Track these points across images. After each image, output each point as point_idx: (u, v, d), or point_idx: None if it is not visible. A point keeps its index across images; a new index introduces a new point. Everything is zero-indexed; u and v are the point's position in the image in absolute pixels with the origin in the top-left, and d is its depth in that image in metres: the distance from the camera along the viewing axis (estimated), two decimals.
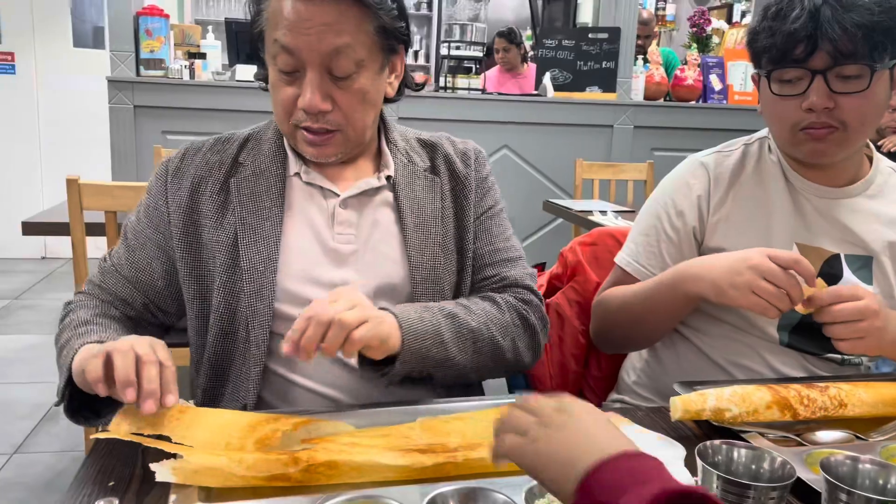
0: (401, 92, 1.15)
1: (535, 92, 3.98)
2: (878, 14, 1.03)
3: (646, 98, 3.97)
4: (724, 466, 0.74)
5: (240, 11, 6.14)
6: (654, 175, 3.31)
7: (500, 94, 4.14)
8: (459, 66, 6.01)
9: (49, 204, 2.43)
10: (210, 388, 1.09)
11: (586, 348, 1.41)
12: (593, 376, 1.43)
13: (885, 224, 1.19)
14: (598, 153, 3.83)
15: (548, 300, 1.43)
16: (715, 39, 4.64)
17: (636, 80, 3.93)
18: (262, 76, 1.11)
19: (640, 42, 4.12)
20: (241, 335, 1.05)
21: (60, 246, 4.80)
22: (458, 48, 6.03)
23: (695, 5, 6.69)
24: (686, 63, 4.07)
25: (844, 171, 1.20)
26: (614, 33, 3.88)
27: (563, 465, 0.59)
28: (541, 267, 1.63)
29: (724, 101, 4.04)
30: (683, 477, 0.78)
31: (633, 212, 2.77)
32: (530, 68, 4.78)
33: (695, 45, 4.26)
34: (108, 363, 0.83)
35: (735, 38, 5.00)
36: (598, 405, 1.36)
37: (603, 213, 2.71)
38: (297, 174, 1.10)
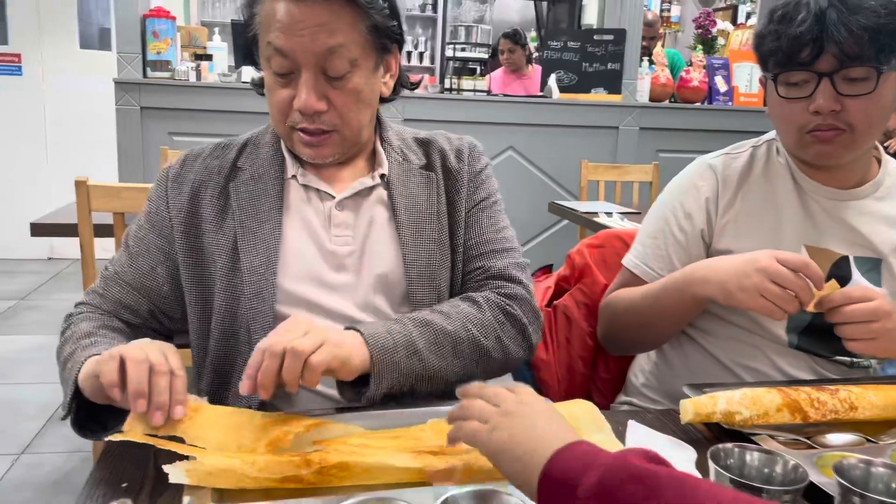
0: (396, 91, 1.15)
1: (541, 93, 3.98)
2: (884, 16, 1.03)
3: (651, 99, 3.97)
4: (736, 469, 0.74)
5: None
6: (660, 177, 3.31)
7: (505, 95, 4.14)
8: (464, 68, 6.02)
9: (55, 205, 2.43)
10: (213, 391, 1.09)
11: (594, 350, 1.41)
12: (601, 378, 1.43)
13: (893, 226, 1.19)
14: (603, 155, 3.82)
15: (555, 302, 1.44)
16: (720, 41, 4.63)
17: (641, 81, 3.93)
18: (258, 81, 1.12)
19: (644, 43, 4.12)
20: (242, 337, 1.06)
21: (66, 247, 4.80)
22: (463, 49, 6.04)
23: (700, 6, 6.68)
24: (691, 64, 4.07)
25: (853, 173, 1.20)
26: (620, 35, 3.88)
27: (524, 451, 0.65)
28: (548, 269, 1.63)
29: (730, 103, 4.04)
30: None
31: (638, 213, 2.77)
32: (535, 69, 4.78)
33: (700, 46, 4.26)
34: (122, 369, 0.83)
35: (740, 39, 5.00)
36: (606, 407, 1.36)
37: (609, 214, 2.71)
38: (294, 177, 1.11)
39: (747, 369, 1.19)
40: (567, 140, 3.85)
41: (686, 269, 1.14)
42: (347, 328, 0.97)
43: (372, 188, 1.12)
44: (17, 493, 2.21)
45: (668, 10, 7.20)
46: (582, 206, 2.91)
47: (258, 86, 1.12)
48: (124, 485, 0.77)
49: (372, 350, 0.94)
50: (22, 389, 2.92)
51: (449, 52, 6.32)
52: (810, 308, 1.00)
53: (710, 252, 1.23)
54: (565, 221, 3.66)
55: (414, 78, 1.22)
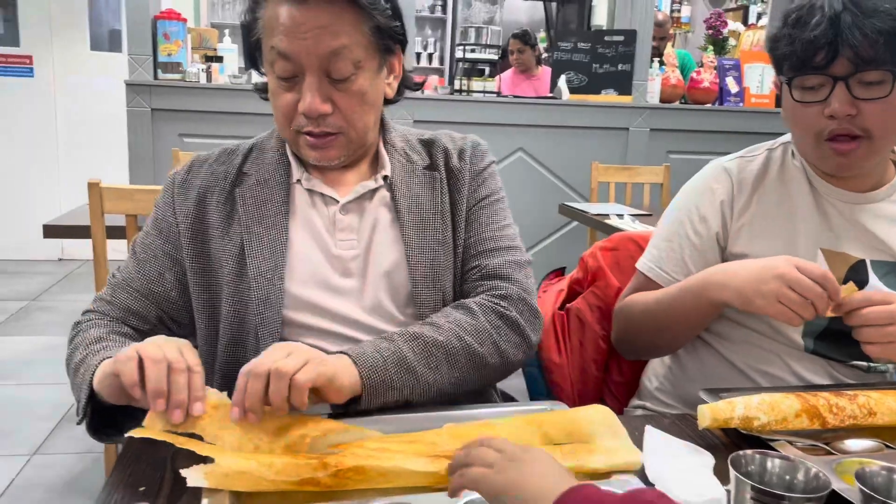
0: (400, 93, 1.15)
1: (551, 94, 3.98)
2: None
3: (662, 101, 3.96)
4: (757, 476, 0.73)
5: None
6: (671, 178, 3.30)
7: (515, 96, 4.14)
8: (474, 69, 6.02)
9: (67, 206, 2.44)
10: None
11: (607, 353, 1.40)
12: (614, 381, 1.43)
13: None
14: (613, 156, 3.82)
15: (568, 305, 1.43)
16: (731, 41, 4.61)
17: (652, 82, 3.92)
18: (262, 86, 1.12)
19: (654, 44, 4.11)
20: (251, 343, 1.06)
21: (77, 248, 4.83)
22: (472, 51, 6.04)
23: (710, 7, 6.66)
24: (702, 65, 4.05)
25: (869, 177, 1.19)
26: (630, 36, 3.87)
27: (531, 493, 0.65)
28: (560, 271, 1.63)
29: (741, 104, 4.02)
30: (713, 486, 0.77)
31: (649, 215, 2.76)
32: (545, 70, 4.78)
33: (711, 47, 4.25)
34: (141, 368, 0.83)
35: (751, 39, 4.98)
36: (620, 411, 1.35)
37: (620, 216, 2.69)
38: (299, 181, 1.11)
39: (763, 374, 1.18)
40: (577, 141, 3.84)
41: (702, 274, 1.14)
42: (338, 352, 0.96)
43: (375, 190, 1.12)
44: (28, 494, 2.22)
45: (679, 11, 7.17)
46: (592, 208, 2.90)
47: (262, 90, 1.12)
48: (142, 488, 0.77)
49: (361, 370, 0.93)
50: (34, 390, 2.93)
51: (458, 54, 6.33)
52: (828, 312, 0.99)
53: (725, 256, 1.22)
54: (575, 223, 3.66)
55: (418, 78, 1.22)
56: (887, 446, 0.92)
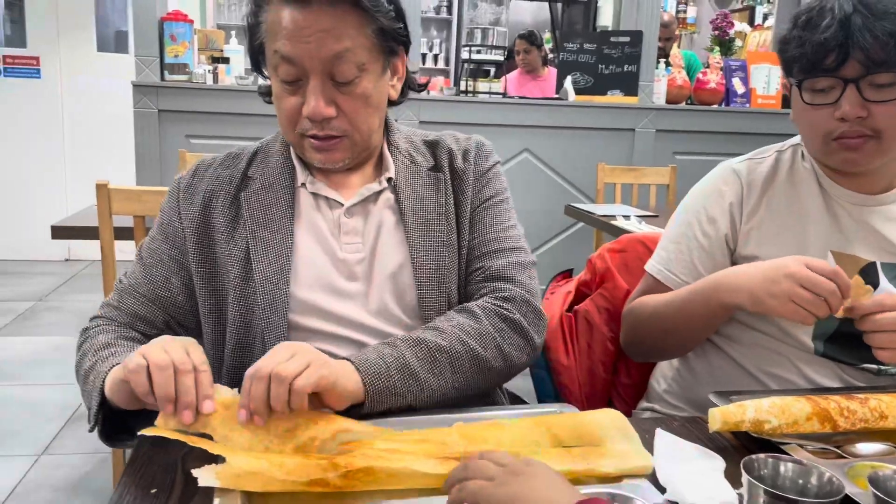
0: (404, 94, 1.15)
1: (557, 95, 3.98)
2: None
3: (668, 101, 3.95)
4: (769, 480, 0.73)
5: None
6: (677, 179, 3.29)
7: (520, 97, 4.14)
8: (479, 70, 6.02)
9: (73, 207, 2.45)
10: None
11: (615, 355, 1.40)
12: (622, 384, 1.42)
13: None
14: (619, 157, 3.81)
15: (576, 307, 1.43)
16: (737, 42, 4.60)
17: (658, 83, 3.92)
18: (266, 90, 1.12)
19: (660, 45, 4.10)
20: (257, 347, 1.06)
21: (84, 248, 4.84)
22: (478, 52, 6.04)
23: (716, 7, 6.65)
24: (708, 66, 4.04)
25: (880, 179, 1.18)
26: (636, 36, 3.87)
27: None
28: (568, 273, 1.62)
29: (748, 105, 4.01)
30: (725, 489, 0.77)
31: (656, 216, 2.76)
32: (550, 71, 4.78)
33: (717, 47, 4.24)
34: (150, 376, 0.84)
35: (758, 40, 4.97)
36: (628, 413, 1.35)
37: (626, 217, 2.69)
38: (304, 185, 1.11)
39: (772, 377, 1.18)
40: (583, 142, 3.84)
41: (712, 277, 1.13)
42: (341, 359, 0.95)
43: (379, 193, 1.12)
44: (35, 495, 2.23)
45: (685, 11, 7.17)
46: (598, 209, 2.90)
47: (266, 94, 1.12)
48: (153, 490, 0.77)
49: (364, 376, 0.92)
50: (41, 390, 2.94)
51: (464, 55, 6.33)
52: (840, 314, 0.99)
53: (734, 258, 1.21)
54: (581, 224, 3.65)
55: (422, 79, 1.22)
56: None
